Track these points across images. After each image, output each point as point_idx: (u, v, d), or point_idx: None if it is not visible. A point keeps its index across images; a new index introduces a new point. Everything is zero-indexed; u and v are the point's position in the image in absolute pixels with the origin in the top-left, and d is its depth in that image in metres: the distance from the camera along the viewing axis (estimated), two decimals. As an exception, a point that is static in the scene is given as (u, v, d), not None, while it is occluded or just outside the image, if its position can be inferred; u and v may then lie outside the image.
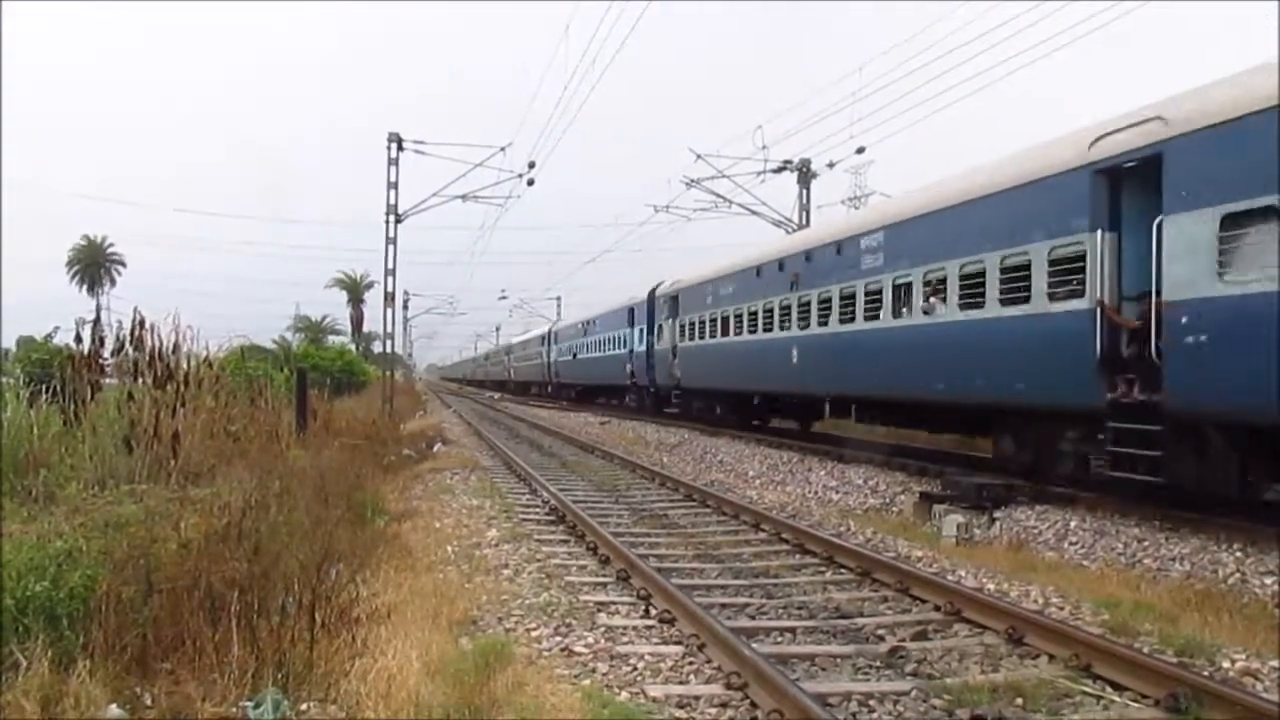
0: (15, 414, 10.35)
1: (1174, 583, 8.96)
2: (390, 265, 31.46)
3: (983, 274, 13.21)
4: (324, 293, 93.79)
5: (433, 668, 5.59)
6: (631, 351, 35.29)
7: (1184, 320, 9.62)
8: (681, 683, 5.99)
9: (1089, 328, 10.97)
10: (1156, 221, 10.01)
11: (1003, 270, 12.77)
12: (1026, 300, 12.22)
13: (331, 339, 72.50)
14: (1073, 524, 11.17)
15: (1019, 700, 5.59)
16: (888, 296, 15.97)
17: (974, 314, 13.39)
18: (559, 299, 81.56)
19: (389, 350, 37.63)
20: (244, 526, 6.70)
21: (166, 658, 5.31)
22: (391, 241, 31.30)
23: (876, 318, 16.40)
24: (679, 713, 5.44)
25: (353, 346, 69.78)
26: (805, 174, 31.80)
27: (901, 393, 15.85)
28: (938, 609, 7.63)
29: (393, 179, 30.76)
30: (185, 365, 11.93)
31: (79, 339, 11.51)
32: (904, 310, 15.55)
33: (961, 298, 13.75)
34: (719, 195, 32.07)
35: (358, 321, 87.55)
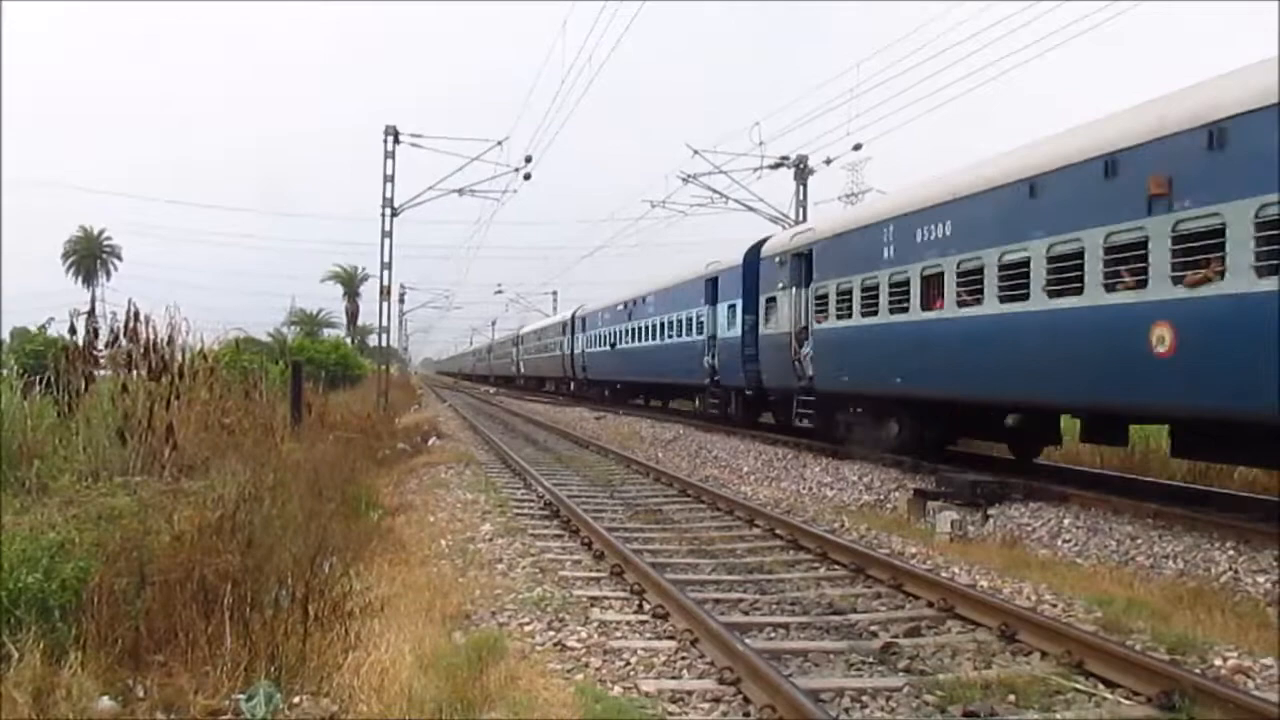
0: (9, 406, 10.31)
1: (1167, 580, 8.98)
2: (386, 259, 31.46)
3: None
4: (320, 286, 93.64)
5: (426, 661, 5.59)
6: (713, 338, 25.56)
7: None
8: (674, 678, 6.00)
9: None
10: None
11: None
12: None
13: (327, 332, 72.59)
14: (1066, 521, 11.19)
15: (1011, 697, 5.60)
16: None
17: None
18: (555, 293, 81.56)
19: (384, 344, 37.59)
20: (238, 519, 6.68)
21: (159, 650, 5.31)
22: (387, 235, 31.28)
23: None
24: (672, 708, 5.45)
25: (348, 340, 69.78)
26: (802, 170, 31.80)
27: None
28: (931, 605, 7.64)
29: (389, 172, 30.73)
30: (180, 358, 11.90)
31: (73, 330, 11.49)
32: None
33: None
34: (716, 191, 32.08)
35: (353, 315, 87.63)
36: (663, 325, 30.59)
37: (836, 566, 9.25)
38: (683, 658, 6.34)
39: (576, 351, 45.29)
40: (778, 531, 10.94)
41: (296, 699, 5.03)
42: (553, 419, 33.18)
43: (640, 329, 33.15)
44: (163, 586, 5.62)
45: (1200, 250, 9.54)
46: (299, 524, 7.29)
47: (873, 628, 7.15)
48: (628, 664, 6.21)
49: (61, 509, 7.03)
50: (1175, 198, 9.78)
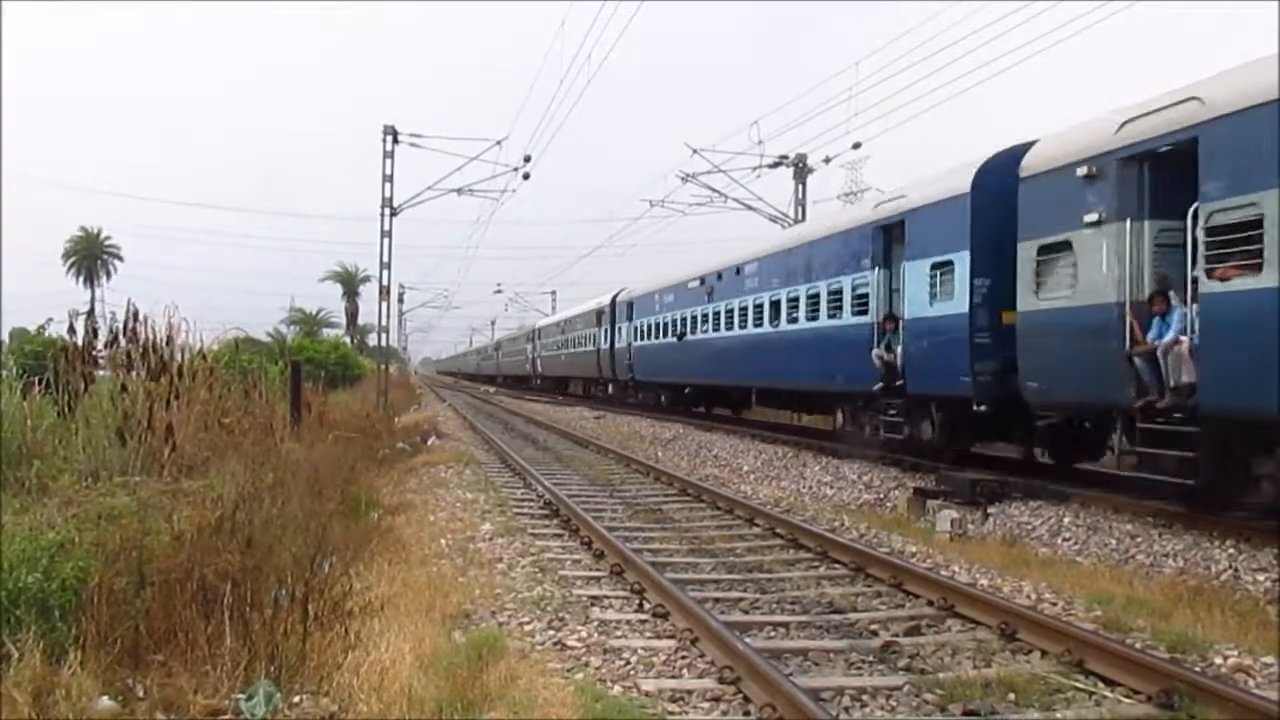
0: (9, 406, 10.31)
1: (1166, 579, 8.98)
2: (385, 258, 31.46)
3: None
4: (319, 286, 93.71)
5: (425, 661, 5.59)
6: (894, 319, 16.02)
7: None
8: (674, 677, 6.00)
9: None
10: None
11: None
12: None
13: (326, 332, 72.58)
14: (1066, 520, 11.19)
15: (1011, 696, 5.59)
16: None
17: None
18: (554, 293, 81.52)
19: (384, 344, 37.60)
20: (237, 519, 6.68)
21: (159, 649, 5.31)
22: (386, 234, 31.28)
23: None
24: (672, 707, 5.44)
25: (347, 340, 69.77)
26: (801, 169, 31.80)
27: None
28: (931, 604, 7.64)
29: (388, 172, 30.74)
30: (179, 358, 11.90)
31: (73, 331, 11.48)
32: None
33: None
34: (715, 190, 32.09)
35: (352, 315, 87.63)
36: (778, 305, 20.84)
37: (836, 565, 9.25)
38: (683, 657, 6.34)
39: (619, 346, 36.05)
40: (778, 530, 10.94)
41: (296, 698, 5.03)
42: (552, 419, 33.18)
43: (731, 312, 23.67)
44: (162, 586, 5.62)
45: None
46: (299, 524, 7.29)
47: (873, 626, 7.14)
48: (628, 663, 6.21)
49: (61, 509, 7.02)
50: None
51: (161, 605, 5.50)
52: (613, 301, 37.61)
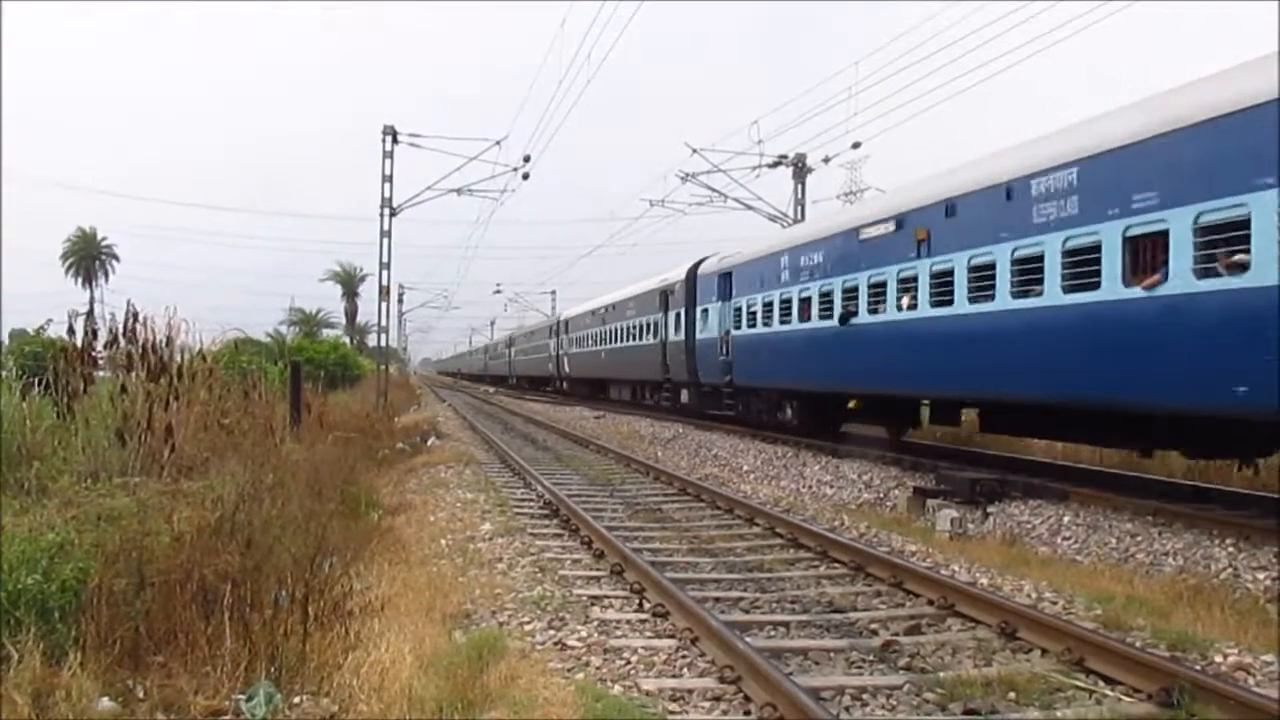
0: (8, 407, 10.30)
1: (1166, 577, 8.98)
2: (385, 258, 31.47)
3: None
4: (318, 286, 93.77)
5: (426, 661, 5.58)
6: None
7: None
8: (675, 676, 5.99)
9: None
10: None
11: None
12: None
13: (326, 332, 72.57)
14: (1066, 519, 11.19)
15: (1012, 694, 5.60)
16: None
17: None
18: (553, 293, 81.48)
19: (383, 344, 37.60)
20: (237, 520, 6.68)
21: (159, 650, 5.30)
22: (386, 234, 31.30)
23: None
24: (672, 706, 5.44)
25: (347, 340, 69.77)
26: (801, 169, 31.81)
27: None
28: (931, 603, 7.64)
29: (388, 172, 30.75)
30: (179, 358, 11.89)
31: (72, 331, 11.47)
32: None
33: None
34: (714, 190, 32.09)
35: (352, 315, 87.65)
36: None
37: (837, 565, 9.25)
38: (683, 656, 6.34)
39: (704, 336, 25.75)
40: (778, 530, 10.93)
41: (297, 699, 5.03)
42: (552, 418, 33.17)
43: (989, 272, 13.22)
44: (162, 587, 5.62)
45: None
46: (298, 524, 7.28)
47: (873, 626, 7.14)
48: (628, 663, 6.20)
49: (61, 510, 7.01)
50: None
51: (161, 606, 5.50)
52: (691, 276, 27.44)
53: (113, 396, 10.49)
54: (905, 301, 15.35)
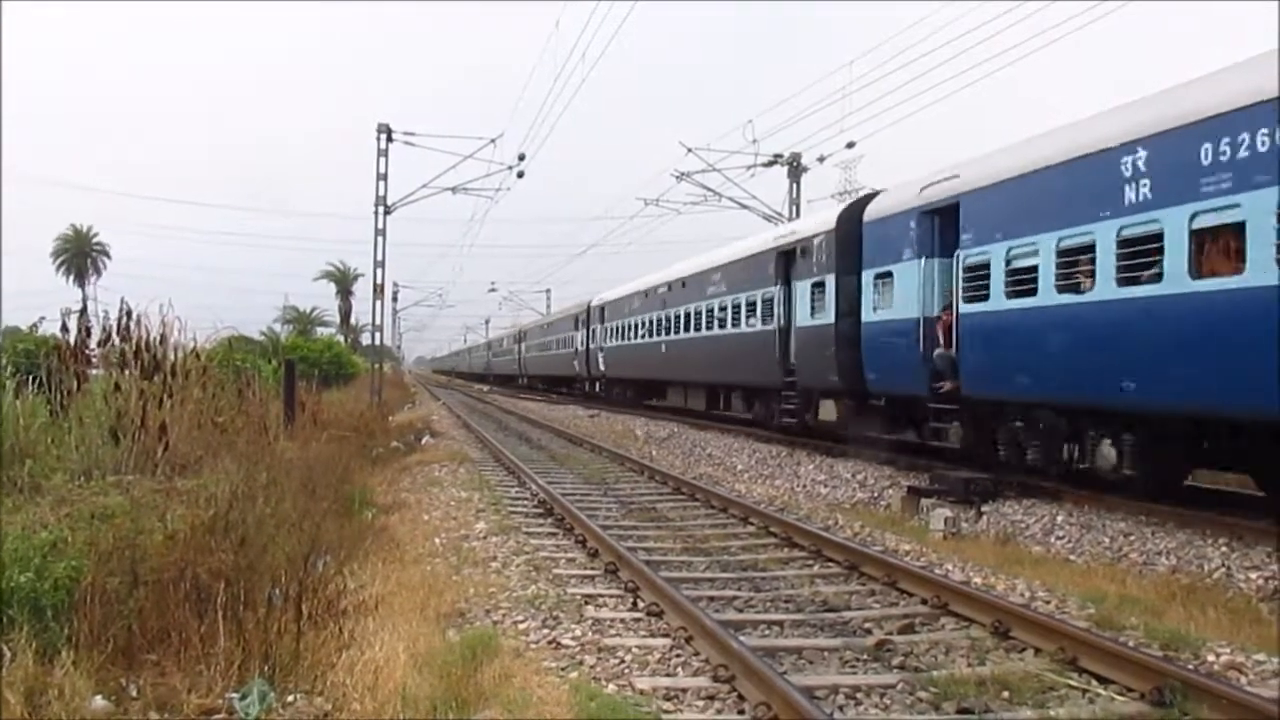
0: (2, 405, 10.28)
1: (1160, 576, 9.00)
2: (379, 257, 31.44)
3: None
4: (312, 285, 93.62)
5: (420, 660, 5.58)
6: None
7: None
8: (669, 675, 5.99)
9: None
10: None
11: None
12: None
13: (320, 331, 72.53)
14: (1059, 518, 11.22)
15: (1005, 693, 5.60)
16: None
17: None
18: (549, 291, 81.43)
19: (378, 342, 37.57)
20: (231, 518, 6.68)
21: (152, 649, 5.30)
22: (380, 233, 31.27)
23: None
24: (666, 705, 5.44)
25: (341, 338, 69.72)
26: (796, 168, 31.85)
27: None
28: (925, 602, 7.65)
29: (382, 170, 30.73)
30: (173, 356, 11.88)
31: (65, 329, 11.46)
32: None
33: None
34: (709, 189, 32.11)
35: (346, 313, 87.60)
36: None
37: (830, 564, 9.25)
38: (677, 655, 6.34)
39: (894, 318, 15.62)
40: (772, 529, 10.94)
41: (290, 697, 5.03)
42: (546, 417, 33.16)
43: None
44: (156, 586, 5.61)
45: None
46: (292, 523, 7.28)
47: (867, 625, 7.15)
48: (622, 662, 6.20)
49: (54, 508, 7.01)
50: None
51: (155, 605, 5.49)
52: (850, 220, 17.56)
53: (106, 394, 10.48)
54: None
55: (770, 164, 31.35)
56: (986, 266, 12.88)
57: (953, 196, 13.87)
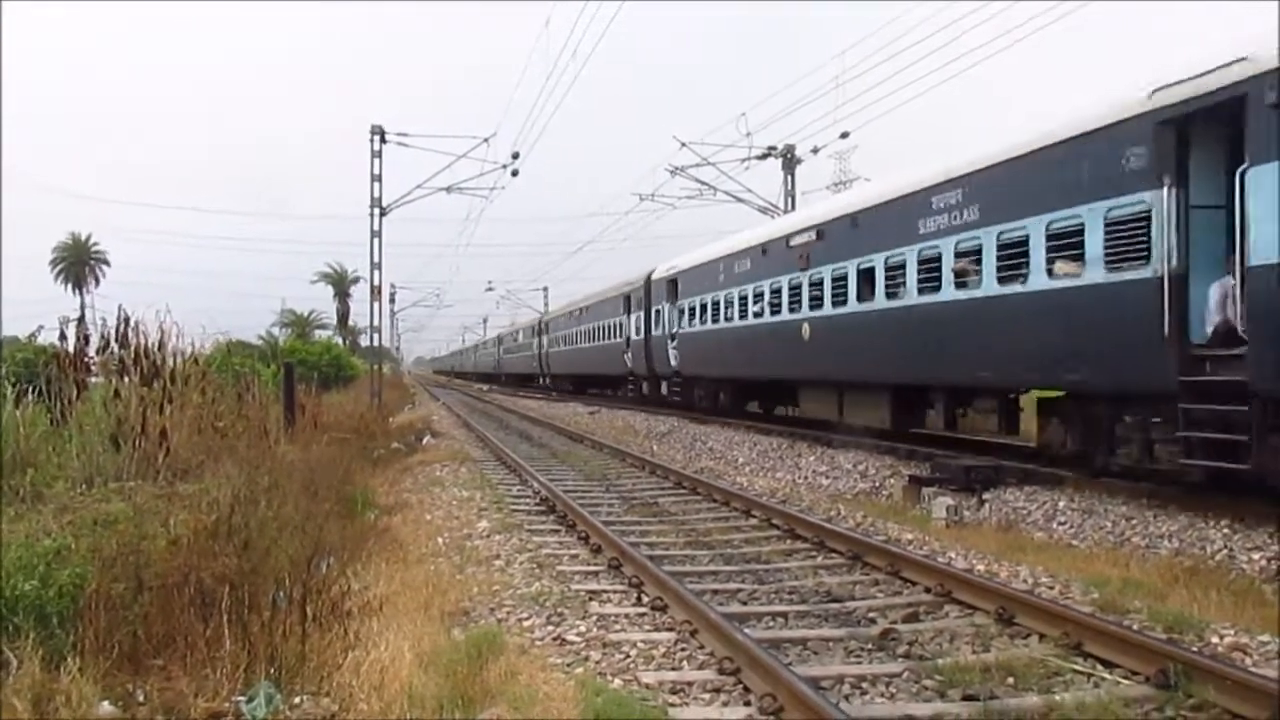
0: (1, 414, 10.29)
1: (1162, 560, 9.02)
2: (376, 258, 31.42)
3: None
4: (310, 288, 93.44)
5: (425, 659, 5.59)
6: None
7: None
8: (674, 669, 6.00)
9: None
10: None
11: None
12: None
13: (318, 333, 72.53)
14: (1061, 504, 11.23)
15: (1010, 680, 5.61)
16: None
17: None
18: (546, 289, 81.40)
19: (376, 344, 37.56)
20: (233, 522, 6.68)
21: (158, 654, 5.30)
22: (376, 234, 31.25)
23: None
24: (672, 699, 5.45)
25: (339, 341, 69.73)
26: (790, 160, 31.83)
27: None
28: (928, 591, 7.66)
29: (376, 172, 30.70)
30: (172, 362, 11.88)
31: (63, 337, 11.46)
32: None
33: None
34: (704, 183, 32.07)
35: (344, 316, 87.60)
36: None
37: (834, 555, 9.26)
38: (682, 649, 6.35)
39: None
40: (774, 521, 10.95)
41: (297, 699, 5.03)
42: (547, 415, 33.16)
43: None
44: (160, 591, 5.62)
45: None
46: (295, 525, 7.29)
47: (871, 614, 7.16)
48: (627, 656, 6.21)
49: (56, 516, 7.02)
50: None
51: (159, 610, 5.50)
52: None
53: (106, 402, 10.49)
54: None
55: (764, 156, 31.32)
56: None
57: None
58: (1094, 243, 11.19)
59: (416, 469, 17.19)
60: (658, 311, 30.41)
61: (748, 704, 5.34)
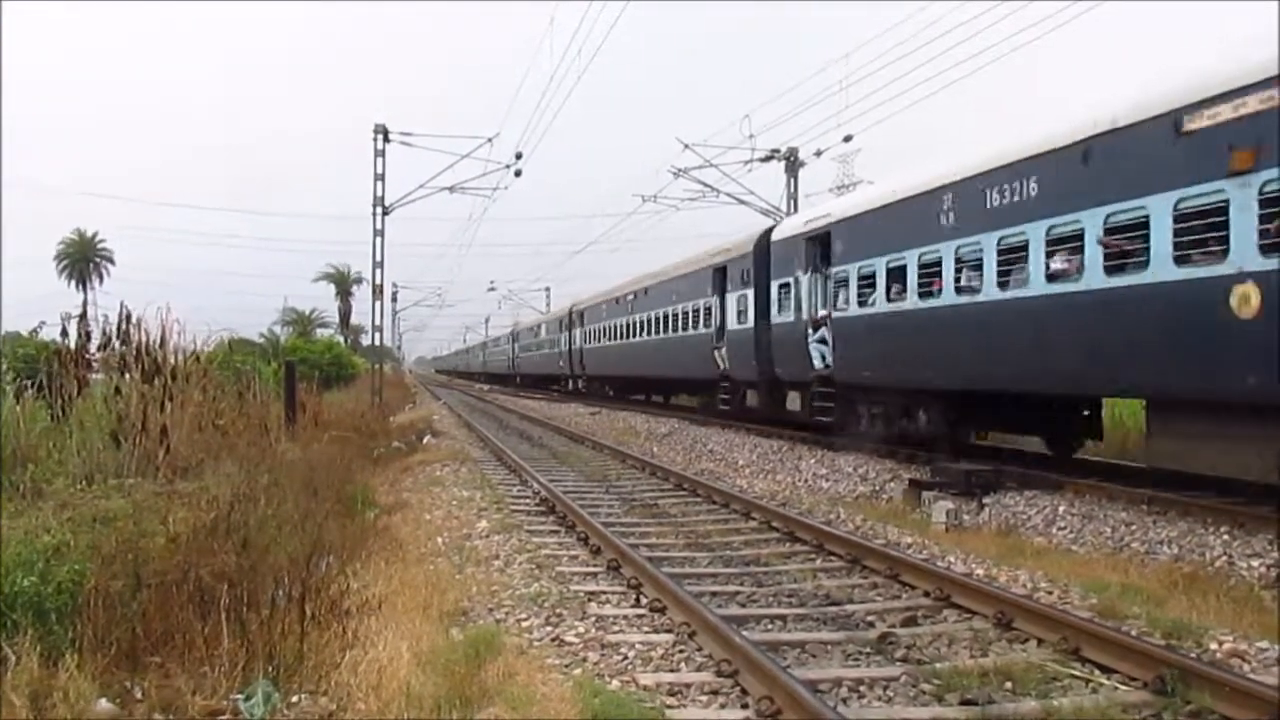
0: (1, 410, 10.30)
1: (1161, 566, 9.01)
2: (378, 258, 31.43)
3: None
4: (312, 287, 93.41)
5: (423, 659, 5.59)
6: None
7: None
8: (672, 671, 6.00)
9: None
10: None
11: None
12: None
13: (320, 332, 72.59)
14: (1061, 509, 11.21)
15: (1008, 684, 5.61)
16: None
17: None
18: (548, 289, 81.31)
19: (378, 343, 37.56)
20: (233, 520, 6.70)
21: (156, 651, 5.31)
22: (379, 234, 31.26)
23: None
24: (670, 701, 5.45)
25: (341, 339, 69.77)
26: (793, 163, 31.79)
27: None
28: (927, 595, 7.66)
29: (379, 171, 30.71)
30: (173, 360, 11.89)
31: (65, 334, 11.48)
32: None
33: None
34: (706, 185, 32.03)
35: (345, 315, 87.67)
36: None
37: (833, 558, 9.26)
38: (680, 650, 6.35)
39: None
40: (774, 524, 10.95)
41: (295, 698, 5.04)
42: (548, 416, 33.15)
43: None
44: (159, 588, 5.63)
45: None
46: (295, 524, 7.30)
47: (870, 618, 7.16)
48: (626, 658, 6.21)
49: (56, 512, 7.02)
50: None
51: (158, 607, 5.51)
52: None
53: (107, 398, 10.50)
54: None
55: (767, 159, 31.28)
56: None
57: None
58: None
59: (417, 468, 17.20)
60: (783, 287, 20.28)
61: (745, 706, 5.34)
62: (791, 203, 31.75)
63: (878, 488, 14.40)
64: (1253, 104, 9.04)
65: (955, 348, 13.99)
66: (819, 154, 31.12)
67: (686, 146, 30.66)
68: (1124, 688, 5.56)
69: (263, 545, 6.38)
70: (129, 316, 11.51)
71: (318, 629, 5.75)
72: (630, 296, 34.04)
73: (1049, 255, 11.84)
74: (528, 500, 13.29)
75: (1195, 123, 9.66)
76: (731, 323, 23.35)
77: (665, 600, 7.33)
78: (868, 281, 16.31)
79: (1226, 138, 9.28)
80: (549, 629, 6.82)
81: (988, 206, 13.00)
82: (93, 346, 11.48)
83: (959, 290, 13.70)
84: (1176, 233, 9.89)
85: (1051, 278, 11.76)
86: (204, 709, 4.80)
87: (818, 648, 6.46)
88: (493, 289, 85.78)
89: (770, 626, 7.03)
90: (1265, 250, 8.90)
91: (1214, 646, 6.28)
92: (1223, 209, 9.32)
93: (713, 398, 25.36)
